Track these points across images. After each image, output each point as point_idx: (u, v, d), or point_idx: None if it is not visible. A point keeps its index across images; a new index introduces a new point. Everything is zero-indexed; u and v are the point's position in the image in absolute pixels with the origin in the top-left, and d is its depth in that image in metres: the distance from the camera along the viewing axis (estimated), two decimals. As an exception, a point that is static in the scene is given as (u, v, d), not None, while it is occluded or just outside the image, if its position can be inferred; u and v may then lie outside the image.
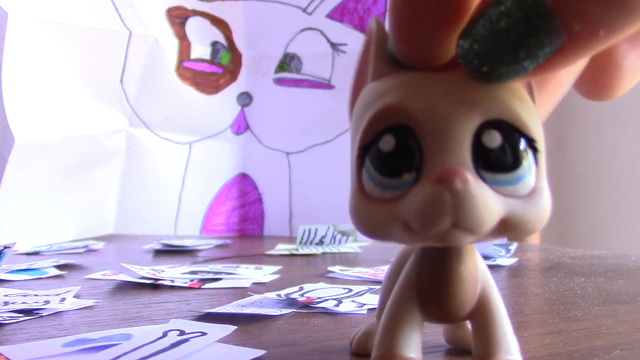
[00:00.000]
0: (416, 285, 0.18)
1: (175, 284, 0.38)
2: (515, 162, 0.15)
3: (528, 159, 0.15)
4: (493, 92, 0.15)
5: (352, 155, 0.17)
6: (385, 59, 0.17)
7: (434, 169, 0.15)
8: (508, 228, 0.15)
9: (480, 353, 0.17)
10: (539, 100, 0.18)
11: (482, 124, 0.15)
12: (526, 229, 0.15)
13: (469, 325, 0.22)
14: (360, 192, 0.16)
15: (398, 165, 0.15)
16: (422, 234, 0.15)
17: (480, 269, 0.18)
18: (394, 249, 0.60)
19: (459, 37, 0.15)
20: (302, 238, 0.62)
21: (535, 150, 0.15)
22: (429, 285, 0.18)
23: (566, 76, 0.17)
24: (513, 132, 0.15)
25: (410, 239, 0.16)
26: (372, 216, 0.16)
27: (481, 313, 0.18)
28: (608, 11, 0.12)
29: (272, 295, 0.33)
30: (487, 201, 0.15)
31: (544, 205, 0.16)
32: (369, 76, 0.17)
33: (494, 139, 0.15)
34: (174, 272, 0.43)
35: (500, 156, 0.15)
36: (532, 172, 0.15)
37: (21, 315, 0.29)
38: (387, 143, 0.16)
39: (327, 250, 0.59)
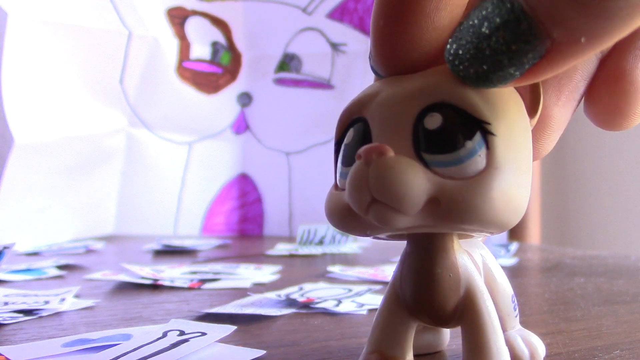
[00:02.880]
0: (400, 285, 0.18)
1: (175, 284, 0.38)
2: (454, 143, 0.15)
3: (474, 141, 0.15)
4: (441, 79, 0.15)
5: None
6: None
7: None
8: (441, 208, 0.15)
9: None
10: (554, 104, 0.18)
11: (425, 108, 0.15)
12: (460, 210, 0.15)
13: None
14: (334, 187, 0.17)
15: (353, 154, 0.16)
16: (356, 212, 0.16)
17: (464, 272, 0.17)
18: (395, 250, 0.60)
19: (448, 41, 0.15)
20: (302, 238, 0.62)
21: (486, 132, 0.15)
22: (408, 287, 0.18)
23: (580, 81, 0.17)
24: (457, 114, 0.15)
25: (354, 225, 0.16)
26: (330, 204, 0.17)
27: (468, 318, 0.17)
28: (585, 18, 0.12)
29: (272, 295, 0.33)
30: (407, 176, 0.15)
31: (487, 188, 0.15)
32: None
33: (435, 121, 0.15)
34: (174, 272, 0.43)
35: (439, 137, 0.15)
36: (481, 154, 0.15)
37: (21, 315, 0.29)
38: (349, 136, 0.17)
39: (327, 250, 0.59)
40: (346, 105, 0.17)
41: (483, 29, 0.13)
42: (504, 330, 0.20)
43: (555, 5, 0.12)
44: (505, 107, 0.15)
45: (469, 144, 0.15)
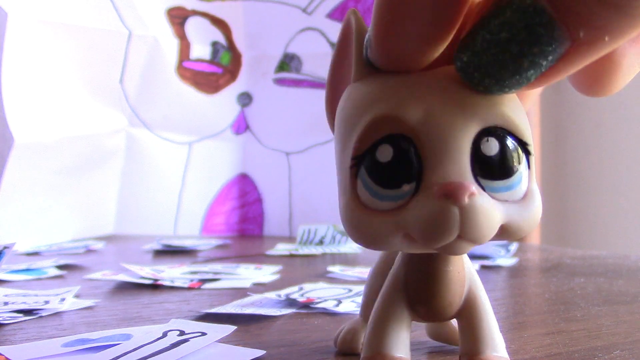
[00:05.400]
0: (404, 285, 0.18)
1: (175, 284, 0.38)
2: (511, 169, 0.15)
3: (523, 164, 0.15)
4: (488, 98, 0.15)
5: (341, 162, 0.16)
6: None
7: (436, 180, 0.15)
8: (506, 233, 0.15)
9: (468, 351, 0.18)
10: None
11: (480, 132, 0.15)
12: (522, 232, 0.16)
13: (452, 321, 0.23)
14: (356, 203, 0.16)
15: (397, 176, 0.15)
16: (426, 246, 0.15)
17: (468, 269, 0.18)
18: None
19: (457, 50, 0.14)
20: (302, 238, 0.62)
21: (528, 153, 0.15)
22: (417, 286, 0.18)
23: None
24: (509, 137, 0.15)
25: (410, 248, 0.16)
26: (371, 227, 0.15)
27: (468, 312, 0.18)
28: (614, 16, 0.12)
29: (272, 295, 0.33)
30: (491, 213, 0.15)
31: (536, 207, 0.16)
32: (351, 75, 0.17)
33: (493, 147, 0.15)
34: (173, 272, 0.43)
35: (498, 164, 0.15)
36: (525, 175, 0.16)
37: (21, 315, 0.29)
38: (384, 153, 0.15)
39: (327, 250, 0.59)
40: (371, 115, 0.15)
41: (502, 35, 0.13)
42: None
43: (585, 6, 0.12)
44: (527, 121, 0.16)
45: (521, 168, 0.15)
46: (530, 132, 0.16)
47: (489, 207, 0.15)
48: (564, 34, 0.13)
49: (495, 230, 0.15)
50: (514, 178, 0.15)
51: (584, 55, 0.13)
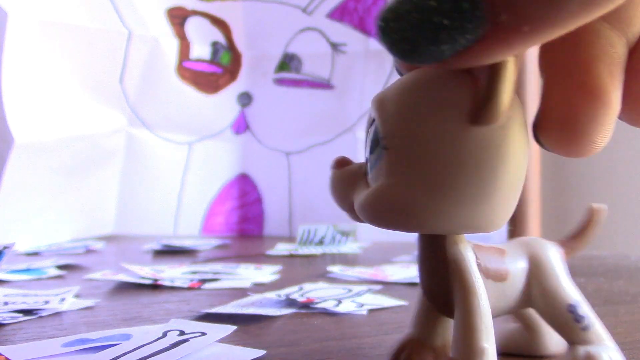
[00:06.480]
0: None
1: (175, 284, 0.38)
2: (369, 155, 0.17)
3: (375, 154, 0.17)
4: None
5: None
6: None
7: None
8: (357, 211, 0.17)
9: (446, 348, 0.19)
10: (613, 88, 0.16)
11: (371, 122, 0.17)
12: (362, 214, 0.17)
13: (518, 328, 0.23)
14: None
15: None
16: None
17: (459, 266, 0.17)
18: (395, 250, 0.60)
19: (381, 11, 0.14)
20: (302, 238, 0.62)
21: (382, 146, 0.16)
22: (420, 275, 0.19)
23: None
24: (376, 128, 0.17)
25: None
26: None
27: (458, 300, 0.17)
28: (540, 5, 0.12)
29: (272, 295, 0.33)
30: (338, 183, 0.18)
31: (366, 196, 0.17)
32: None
33: (370, 134, 0.17)
34: (173, 272, 0.43)
35: (368, 148, 0.17)
36: (377, 165, 0.17)
37: (21, 315, 0.29)
38: None
39: (327, 250, 0.59)
40: None
41: (429, 1, 0.13)
42: (568, 342, 0.19)
43: None
44: (401, 116, 0.17)
45: (372, 157, 0.18)
46: (400, 129, 0.16)
47: (338, 178, 0.19)
48: (487, 15, 0.13)
49: (343, 201, 0.19)
50: (370, 164, 0.17)
51: (500, 42, 0.13)
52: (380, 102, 0.17)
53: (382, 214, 0.16)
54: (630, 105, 0.16)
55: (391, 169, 0.16)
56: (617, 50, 0.16)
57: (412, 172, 0.16)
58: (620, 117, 0.17)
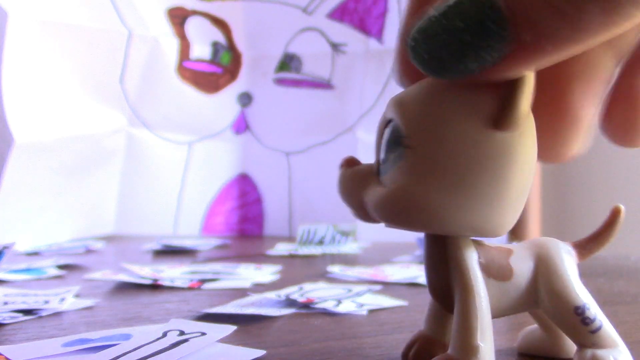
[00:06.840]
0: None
1: (175, 284, 0.38)
2: (385, 155, 0.17)
3: (395, 153, 0.17)
4: (399, 95, 0.17)
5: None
6: None
7: None
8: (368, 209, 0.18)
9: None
10: (581, 106, 0.18)
11: (387, 122, 0.17)
12: (373, 212, 0.17)
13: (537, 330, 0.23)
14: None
15: None
16: None
17: (459, 263, 0.18)
18: (395, 250, 0.60)
19: (412, 30, 0.15)
20: (301, 238, 0.62)
21: (404, 146, 0.16)
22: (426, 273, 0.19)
23: (602, 84, 0.18)
24: (396, 128, 0.17)
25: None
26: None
27: (457, 297, 0.17)
28: (561, 24, 0.13)
29: (272, 295, 0.33)
30: (348, 182, 0.19)
31: (386, 195, 0.17)
32: None
33: (386, 135, 0.17)
34: (173, 272, 0.43)
35: (384, 148, 0.17)
36: (397, 165, 0.17)
37: (21, 315, 0.29)
38: None
39: (327, 250, 0.59)
40: None
41: (457, 23, 0.14)
42: (577, 345, 0.19)
43: (536, 10, 0.13)
44: (428, 119, 0.17)
45: (390, 156, 0.18)
46: (425, 129, 0.16)
47: (347, 177, 0.19)
48: (512, 35, 0.13)
49: (353, 200, 0.19)
50: (386, 165, 0.17)
51: (523, 59, 0.14)
52: (401, 103, 0.17)
53: (402, 212, 0.16)
54: (615, 125, 0.18)
55: (413, 168, 0.16)
56: (602, 64, 0.17)
57: (435, 171, 0.16)
58: (607, 138, 0.18)
